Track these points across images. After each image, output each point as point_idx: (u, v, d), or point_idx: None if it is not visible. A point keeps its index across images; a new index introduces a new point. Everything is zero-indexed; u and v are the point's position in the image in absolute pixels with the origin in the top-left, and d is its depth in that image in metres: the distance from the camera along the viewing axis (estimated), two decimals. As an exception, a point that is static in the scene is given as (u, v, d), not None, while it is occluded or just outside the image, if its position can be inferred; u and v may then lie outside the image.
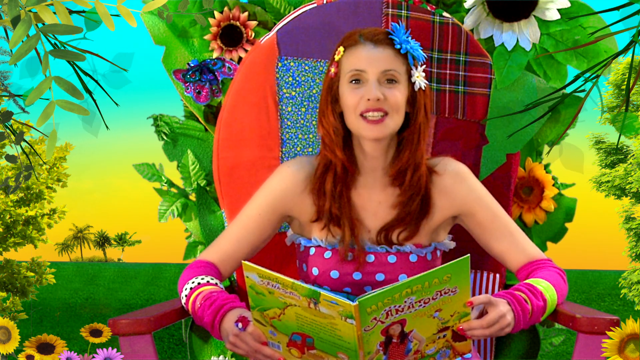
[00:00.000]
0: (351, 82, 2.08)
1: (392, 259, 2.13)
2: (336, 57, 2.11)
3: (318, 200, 2.14)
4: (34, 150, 2.64)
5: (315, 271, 2.14)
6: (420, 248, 2.14)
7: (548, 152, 2.51)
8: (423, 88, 2.10)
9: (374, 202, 2.15)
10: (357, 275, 2.12)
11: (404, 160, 2.12)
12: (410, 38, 2.09)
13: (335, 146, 2.12)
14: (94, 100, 2.31)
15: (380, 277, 2.12)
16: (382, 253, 2.13)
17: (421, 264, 2.12)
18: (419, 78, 2.09)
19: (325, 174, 2.14)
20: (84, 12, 2.31)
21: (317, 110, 2.28)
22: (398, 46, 2.07)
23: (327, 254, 2.14)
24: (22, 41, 2.10)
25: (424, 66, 2.11)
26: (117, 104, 2.30)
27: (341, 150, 2.12)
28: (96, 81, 2.33)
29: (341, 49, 2.10)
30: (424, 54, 2.11)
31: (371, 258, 2.13)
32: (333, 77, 2.12)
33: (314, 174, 2.15)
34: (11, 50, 2.21)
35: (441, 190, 2.15)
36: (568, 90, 2.42)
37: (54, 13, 2.15)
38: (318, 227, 2.16)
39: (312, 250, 2.16)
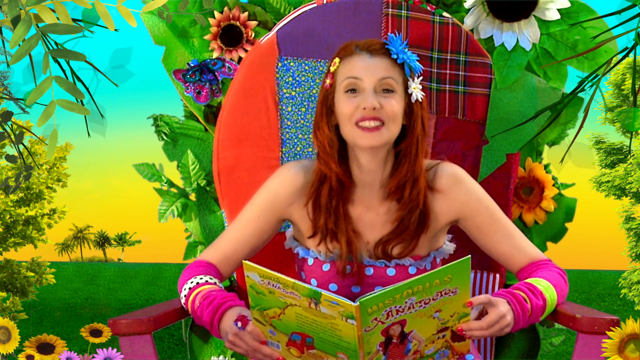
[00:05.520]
0: (347, 91, 2.05)
1: (391, 272, 2.11)
2: (332, 69, 2.08)
3: (314, 215, 2.11)
4: (29, 152, 2.64)
5: (313, 282, 2.13)
6: (419, 260, 2.12)
7: (562, 160, 2.49)
8: (420, 100, 2.07)
9: (371, 215, 2.12)
10: (355, 289, 2.11)
11: (402, 174, 2.08)
12: (407, 49, 2.05)
13: (330, 159, 2.08)
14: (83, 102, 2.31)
15: (379, 290, 2.10)
16: (381, 267, 2.11)
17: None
18: (416, 90, 2.06)
19: (321, 187, 2.10)
20: (81, 21, 2.30)
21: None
22: (395, 56, 2.03)
23: (326, 267, 2.12)
24: (22, 41, 2.09)
25: (421, 78, 2.08)
26: (102, 116, 2.30)
27: (336, 163, 2.08)
28: (87, 88, 2.33)
29: (337, 60, 2.07)
30: (421, 66, 2.08)
31: (370, 271, 2.11)
32: (328, 89, 2.08)
33: (310, 186, 2.13)
34: (4, 49, 2.21)
35: (439, 194, 2.12)
36: (568, 89, 2.42)
37: (55, 15, 2.15)
38: (315, 241, 2.14)
39: (311, 261, 2.14)
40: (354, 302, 1.80)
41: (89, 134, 2.29)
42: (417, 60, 2.07)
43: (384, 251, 2.10)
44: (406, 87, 2.06)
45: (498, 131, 2.44)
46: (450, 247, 2.19)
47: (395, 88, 2.04)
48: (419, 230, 2.10)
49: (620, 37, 2.33)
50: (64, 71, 2.28)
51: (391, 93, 2.04)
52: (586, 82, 2.37)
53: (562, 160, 2.49)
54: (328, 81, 2.08)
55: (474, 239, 2.17)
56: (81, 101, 2.19)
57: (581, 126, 2.44)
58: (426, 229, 2.11)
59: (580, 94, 2.43)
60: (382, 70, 2.03)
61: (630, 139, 2.42)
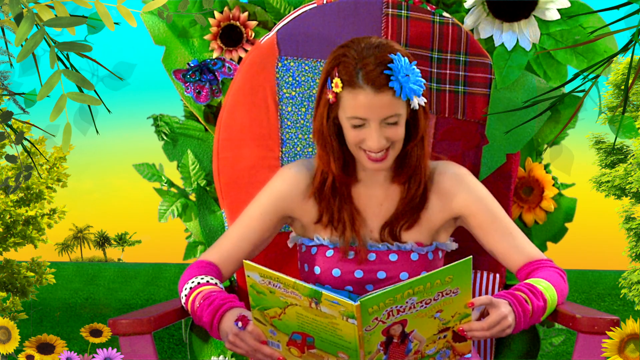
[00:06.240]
0: (353, 125, 2.06)
1: (393, 257, 2.13)
2: (334, 89, 2.06)
3: (320, 202, 2.15)
4: (36, 148, 2.64)
5: (317, 270, 2.15)
6: (421, 246, 2.14)
7: (545, 150, 2.51)
8: (423, 105, 2.09)
9: (375, 200, 2.16)
10: (358, 273, 2.13)
11: (410, 170, 2.13)
12: (409, 67, 2.03)
13: (332, 162, 2.12)
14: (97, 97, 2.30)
15: (381, 275, 2.13)
16: (383, 251, 2.14)
17: (422, 263, 2.13)
18: (417, 100, 2.07)
19: (324, 180, 2.15)
20: (84, 17, 2.30)
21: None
22: (398, 94, 2.02)
23: (329, 252, 2.14)
24: (25, 41, 2.09)
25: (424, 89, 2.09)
26: (109, 111, 2.29)
27: (337, 167, 2.12)
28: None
29: (339, 81, 2.04)
30: (424, 85, 2.07)
31: (373, 256, 2.14)
32: (332, 104, 2.08)
33: (313, 179, 2.16)
34: (7, 49, 2.21)
35: (441, 192, 2.16)
36: (568, 89, 2.42)
37: (54, 13, 2.15)
38: (320, 226, 2.16)
39: (314, 250, 2.17)
40: (356, 294, 1.80)
41: (97, 131, 2.28)
42: (420, 76, 2.06)
43: (391, 232, 2.13)
44: (409, 104, 2.07)
45: (498, 131, 2.43)
46: (452, 244, 2.21)
47: (399, 120, 2.06)
48: (419, 206, 2.14)
49: (618, 33, 2.33)
50: (64, 66, 2.28)
51: (396, 125, 2.06)
52: (580, 75, 2.37)
53: (543, 151, 2.50)
54: (331, 97, 2.08)
55: (475, 237, 2.19)
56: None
57: (568, 122, 2.44)
58: (425, 205, 2.14)
59: (579, 93, 2.43)
60: (386, 108, 2.03)
61: (615, 140, 2.42)
